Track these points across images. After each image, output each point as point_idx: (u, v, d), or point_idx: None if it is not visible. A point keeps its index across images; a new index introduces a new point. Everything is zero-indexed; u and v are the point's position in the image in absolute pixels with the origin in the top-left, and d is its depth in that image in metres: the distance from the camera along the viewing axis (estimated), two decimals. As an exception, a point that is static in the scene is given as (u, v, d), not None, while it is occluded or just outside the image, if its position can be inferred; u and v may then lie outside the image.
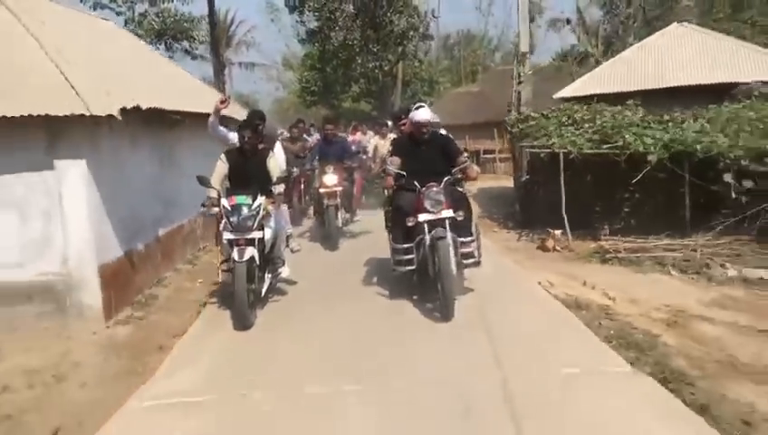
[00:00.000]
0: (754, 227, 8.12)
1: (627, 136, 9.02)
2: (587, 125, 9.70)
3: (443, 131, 7.57)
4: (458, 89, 26.72)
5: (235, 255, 5.72)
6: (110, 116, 5.67)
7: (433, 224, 5.88)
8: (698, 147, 8.47)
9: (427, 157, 6.27)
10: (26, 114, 5.60)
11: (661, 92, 11.93)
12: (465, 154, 6.55)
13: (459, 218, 5.92)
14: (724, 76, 11.58)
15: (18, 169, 5.84)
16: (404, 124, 7.23)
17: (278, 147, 7.59)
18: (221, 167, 6.33)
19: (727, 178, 8.26)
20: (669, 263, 8.13)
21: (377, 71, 22.10)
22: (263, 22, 77.73)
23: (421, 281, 6.30)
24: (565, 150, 9.27)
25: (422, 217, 5.89)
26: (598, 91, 12.78)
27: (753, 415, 4.11)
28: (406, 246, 6.13)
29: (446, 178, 6.03)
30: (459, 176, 6.23)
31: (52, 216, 5.93)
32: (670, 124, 9.25)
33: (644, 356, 5.13)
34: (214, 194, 6.14)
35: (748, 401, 4.35)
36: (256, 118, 7.07)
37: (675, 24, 16.15)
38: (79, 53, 7.04)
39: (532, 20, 21.07)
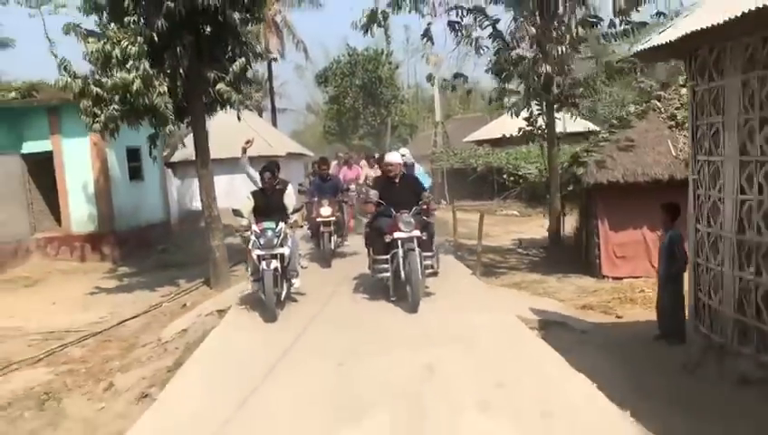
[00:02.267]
0: (512, 196, 20.75)
1: (471, 160, 21.74)
2: (458, 154, 22.46)
3: (417, 166, 10.46)
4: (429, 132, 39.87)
5: (264, 266, 7.27)
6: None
7: (404, 240, 7.38)
8: (495, 164, 21.12)
9: (399, 192, 7.86)
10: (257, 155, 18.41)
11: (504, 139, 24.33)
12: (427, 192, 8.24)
13: (423, 238, 7.53)
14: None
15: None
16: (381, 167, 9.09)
17: (290, 188, 8.75)
18: (248, 203, 7.98)
19: (505, 177, 20.83)
20: (481, 210, 20.83)
21: (374, 121, 35.34)
22: (292, 77, 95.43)
23: (395, 285, 7.67)
24: (446, 166, 22.07)
25: (397, 235, 7.41)
26: (482, 138, 25.37)
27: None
28: (383, 257, 7.64)
29: (413, 208, 7.58)
30: (423, 208, 7.77)
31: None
32: (490, 154, 21.92)
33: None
34: (245, 222, 7.87)
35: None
36: (273, 166, 8.61)
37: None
38: (260, 128, 19.93)
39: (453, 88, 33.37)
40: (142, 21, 9.75)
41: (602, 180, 9.01)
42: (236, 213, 7.92)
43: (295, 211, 8.10)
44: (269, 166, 8.53)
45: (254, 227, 7.63)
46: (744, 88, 4.73)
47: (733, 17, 4.07)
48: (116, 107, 9.77)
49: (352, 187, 13.00)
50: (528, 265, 10.90)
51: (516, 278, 9.66)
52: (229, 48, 10.70)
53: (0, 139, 14.62)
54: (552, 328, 6.83)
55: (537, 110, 10.73)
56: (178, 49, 9.91)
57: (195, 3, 9.46)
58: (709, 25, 4.38)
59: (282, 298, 7.72)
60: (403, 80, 36.54)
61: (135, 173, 16.02)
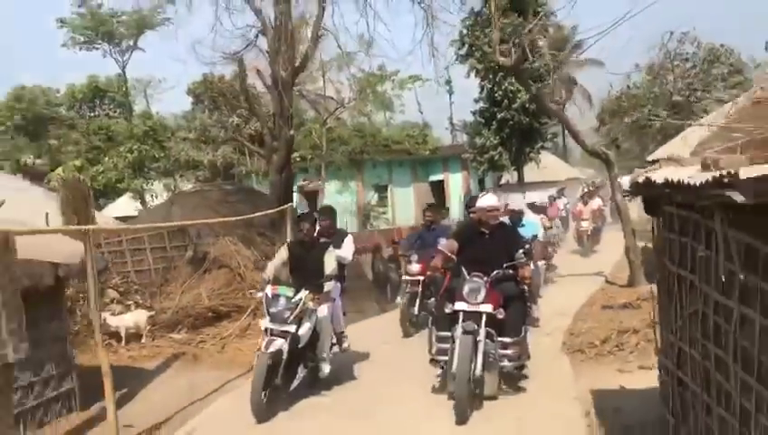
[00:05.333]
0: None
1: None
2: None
3: (530, 214, 8.60)
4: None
5: (263, 344, 5.56)
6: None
7: (469, 316, 5.33)
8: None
9: (489, 247, 5.81)
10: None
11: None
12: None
13: (499, 316, 5.38)
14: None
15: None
16: (473, 213, 6.87)
17: (348, 241, 7.05)
18: (280, 255, 6.48)
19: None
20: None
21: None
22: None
23: (449, 377, 5.40)
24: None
25: (458, 306, 5.41)
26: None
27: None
28: (444, 334, 5.55)
29: (494, 272, 5.54)
30: (511, 272, 5.70)
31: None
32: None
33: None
34: (265, 278, 6.16)
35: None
36: (322, 214, 7.08)
37: None
38: (549, 159, 32.85)
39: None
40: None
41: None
42: (262, 267, 6.59)
43: (330, 278, 6.14)
44: (310, 215, 6.92)
45: (267, 290, 5.85)
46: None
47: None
48: (486, 166, 23.96)
49: None
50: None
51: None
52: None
53: (420, 174, 30.33)
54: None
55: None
56: (513, 140, 23.71)
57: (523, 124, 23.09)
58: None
59: (290, 388, 5.83)
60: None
61: (482, 189, 30.43)
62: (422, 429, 5.17)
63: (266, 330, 5.69)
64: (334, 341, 6.67)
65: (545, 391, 5.76)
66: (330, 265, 6.16)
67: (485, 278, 5.44)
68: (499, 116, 23.26)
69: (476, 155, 24.19)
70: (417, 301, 8.70)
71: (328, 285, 6.14)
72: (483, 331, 5.25)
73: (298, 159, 26.39)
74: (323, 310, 6.12)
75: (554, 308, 9.08)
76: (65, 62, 65.37)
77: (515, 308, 5.61)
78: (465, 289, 5.40)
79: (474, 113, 24.84)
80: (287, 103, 10.59)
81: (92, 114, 34.67)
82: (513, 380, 5.79)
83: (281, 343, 5.54)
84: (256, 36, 11.34)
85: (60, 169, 26.62)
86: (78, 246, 6.55)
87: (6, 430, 4.59)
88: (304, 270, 6.17)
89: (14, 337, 4.23)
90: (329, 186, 25.40)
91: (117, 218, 18.47)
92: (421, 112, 52.94)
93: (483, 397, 5.42)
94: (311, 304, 5.84)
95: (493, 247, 5.77)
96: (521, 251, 5.78)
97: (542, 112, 23.16)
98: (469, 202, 8.52)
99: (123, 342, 8.87)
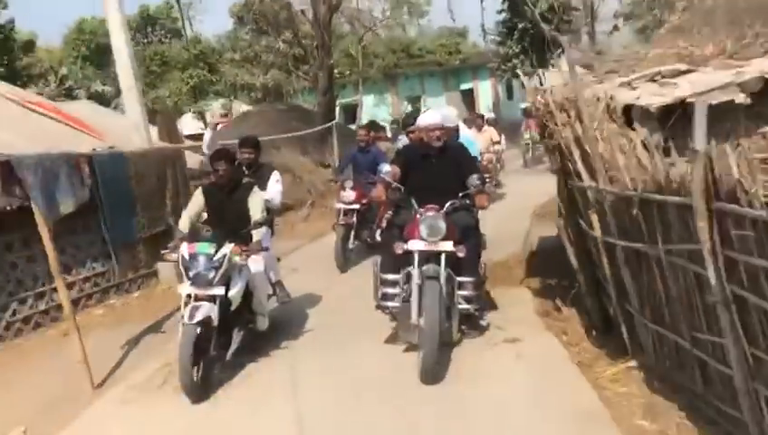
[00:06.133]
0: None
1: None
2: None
3: (464, 128, 7.34)
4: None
5: (186, 314, 4.61)
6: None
7: (426, 256, 4.73)
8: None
9: (437, 171, 5.17)
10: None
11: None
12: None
13: (460, 254, 4.78)
14: None
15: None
16: (413, 132, 6.13)
17: (275, 178, 6.00)
18: (194, 203, 5.41)
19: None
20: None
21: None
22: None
23: (405, 325, 4.80)
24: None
25: (413, 246, 4.74)
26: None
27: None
28: (392, 277, 4.96)
29: (448, 203, 4.90)
30: (467, 202, 5.10)
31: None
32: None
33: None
34: (179, 235, 5.17)
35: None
36: (245, 145, 6.04)
37: None
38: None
39: None
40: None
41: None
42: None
43: (259, 224, 5.18)
44: (225, 151, 5.43)
45: (183, 249, 4.90)
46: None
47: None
48: (510, 73, 25.99)
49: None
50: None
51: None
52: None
53: (450, 84, 32.43)
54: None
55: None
56: (535, 48, 25.55)
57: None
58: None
59: (227, 357, 5.18)
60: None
61: (509, 96, 32.44)
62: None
63: (189, 296, 4.74)
64: (271, 292, 5.95)
65: (503, 234, 7.60)
66: (257, 210, 5.18)
67: (442, 211, 4.81)
68: (520, 26, 24.93)
69: (501, 64, 26.12)
70: (353, 233, 8.02)
71: (257, 233, 5.15)
72: (444, 273, 4.66)
73: (337, 76, 28.96)
74: (258, 263, 5.39)
75: (544, 190, 11.53)
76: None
77: (471, 243, 4.99)
78: (423, 226, 4.70)
79: (497, 23, 26.56)
80: (327, 38, 13.14)
81: (145, 41, 37.39)
82: (473, 320, 5.22)
83: (208, 309, 4.64)
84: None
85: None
86: (193, 157, 9.68)
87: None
88: (225, 218, 5.23)
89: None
90: (366, 99, 27.98)
91: (186, 137, 21.57)
92: (453, 20, 53.77)
93: (449, 344, 4.87)
94: (238, 259, 4.93)
95: (441, 172, 5.11)
96: (475, 176, 5.03)
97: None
98: (405, 120, 7.63)
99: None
